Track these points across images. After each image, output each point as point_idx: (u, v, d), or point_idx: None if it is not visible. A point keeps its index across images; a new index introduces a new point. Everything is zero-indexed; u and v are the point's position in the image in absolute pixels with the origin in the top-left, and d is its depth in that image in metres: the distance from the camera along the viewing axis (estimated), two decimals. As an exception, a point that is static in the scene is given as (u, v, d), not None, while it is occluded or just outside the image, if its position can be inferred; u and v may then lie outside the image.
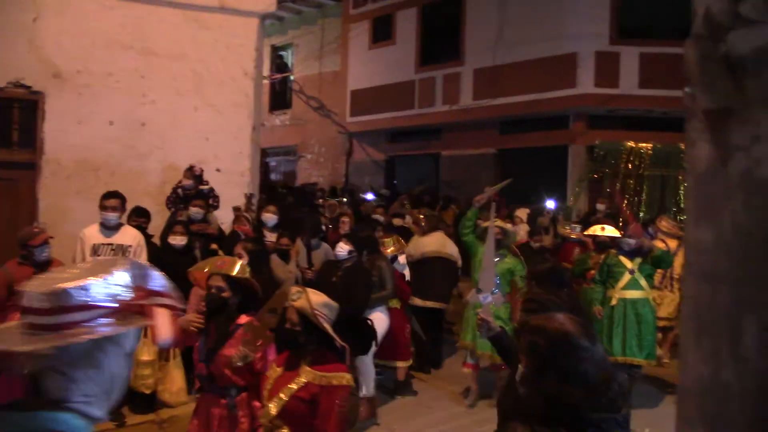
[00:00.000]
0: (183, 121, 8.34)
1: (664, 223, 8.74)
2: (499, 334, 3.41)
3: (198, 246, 6.85)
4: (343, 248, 6.20)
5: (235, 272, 3.55)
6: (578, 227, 8.69)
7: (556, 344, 1.86)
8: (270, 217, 7.47)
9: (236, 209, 7.63)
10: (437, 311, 7.54)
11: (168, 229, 6.64)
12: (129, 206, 6.65)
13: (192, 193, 7.56)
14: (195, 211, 7.18)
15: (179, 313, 1.62)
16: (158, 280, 1.48)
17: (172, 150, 8.27)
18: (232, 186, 8.39)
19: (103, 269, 1.38)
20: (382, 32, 16.07)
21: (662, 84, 11.84)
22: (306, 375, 3.04)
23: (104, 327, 1.33)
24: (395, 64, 15.53)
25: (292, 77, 18.67)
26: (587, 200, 12.38)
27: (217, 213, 7.65)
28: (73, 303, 1.30)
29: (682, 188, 12.44)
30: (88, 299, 1.31)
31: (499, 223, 5.17)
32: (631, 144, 12.48)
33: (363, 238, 7.63)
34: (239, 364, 3.37)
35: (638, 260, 6.37)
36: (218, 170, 8.31)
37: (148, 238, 6.59)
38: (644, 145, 12.51)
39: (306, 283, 6.77)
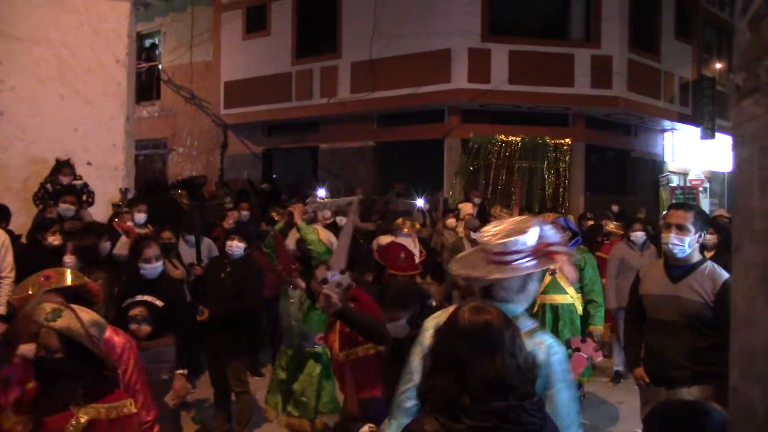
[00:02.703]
0: (47, 111, 7.70)
1: (497, 211, 9.32)
2: (342, 309, 3.38)
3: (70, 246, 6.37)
4: (239, 246, 5.92)
5: (69, 282, 3.15)
6: None
7: (439, 333, 1.90)
8: (140, 217, 7.04)
9: (116, 206, 7.16)
10: None
11: (38, 228, 6.11)
12: (-11, 203, 6.08)
13: (61, 188, 7.00)
14: (65, 208, 6.66)
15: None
16: (554, 235, 2.32)
17: (35, 142, 7.61)
18: (105, 180, 7.88)
19: (525, 226, 2.28)
20: (256, 22, 15.70)
21: (529, 80, 12.56)
22: (86, 413, 2.48)
23: (527, 265, 2.22)
24: (270, 55, 15.23)
25: (160, 66, 17.78)
26: (463, 192, 12.85)
27: (91, 210, 7.14)
28: (511, 249, 2.22)
29: (547, 177, 13.27)
30: (519, 247, 2.22)
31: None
32: (502, 137, 13.12)
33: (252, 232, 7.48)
34: None
35: None
36: (89, 164, 7.76)
37: (12, 237, 6.03)
38: (513, 138, 13.20)
39: (196, 280, 6.51)
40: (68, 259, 5.19)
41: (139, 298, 4.22)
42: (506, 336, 1.80)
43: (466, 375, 1.73)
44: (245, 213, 8.32)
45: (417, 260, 7.78)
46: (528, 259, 2.24)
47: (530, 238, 2.25)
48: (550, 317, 5.55)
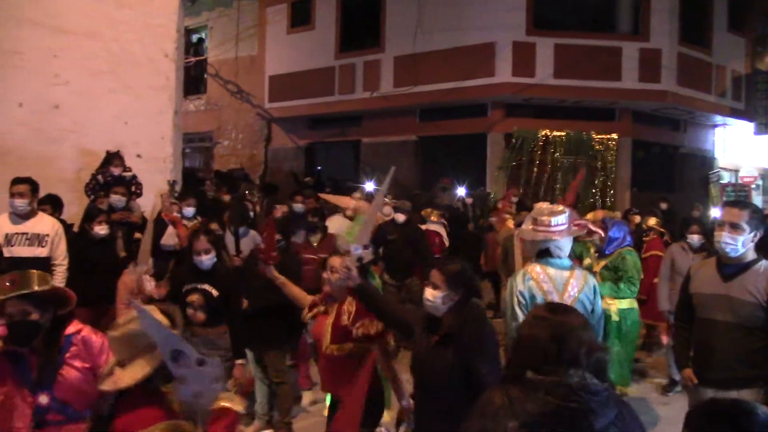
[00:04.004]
0: (99, 104, 7.90)
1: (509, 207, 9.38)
2: (362, 285, 3.29)
3: (120, 235, 6.55)
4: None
5: (35, 287, 2.78)
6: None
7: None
8: (189, 210, 7.16)
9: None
10: None
11: (88, 218, 6.30)
12: (43, 193, 6.27)
13: (111, 180, 7.19)
14: (116, 199, 6.85)
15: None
16: (574, 214, 3.73)
17: (87, 134, 7.83)
18: (153, 172, 8.05)
19: (560, 209, 3.63)
20: (300, 17, 15.82)
21: (575, 74, 12.35)
22: None
23: (571, 230, 3.63)
24: (314, 49, 15.33)
25: (206, 60, 18.07)
26: (505, 187, 12.72)
27: (139, 201, 7.32)
28: (557, 223, 3.57)
29: (595, 172, 13.02)
30: (562, 221, 3.59)
31: None
32: (546, 132, 12.93)
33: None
34: None
35: (603, 261, 5.39)
36: (139, 156, 7.94)
37: (65, 226, 6.22)
38: (558, 133, 13.00)
39: (235, 270, 6.60)
40: None
41: (196, 285, 4.39)
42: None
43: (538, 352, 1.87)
44: (300, 206, 8.21)
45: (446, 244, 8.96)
46: (567, 227, 3.60)
47: (565, 216, 3.60)
48: None
